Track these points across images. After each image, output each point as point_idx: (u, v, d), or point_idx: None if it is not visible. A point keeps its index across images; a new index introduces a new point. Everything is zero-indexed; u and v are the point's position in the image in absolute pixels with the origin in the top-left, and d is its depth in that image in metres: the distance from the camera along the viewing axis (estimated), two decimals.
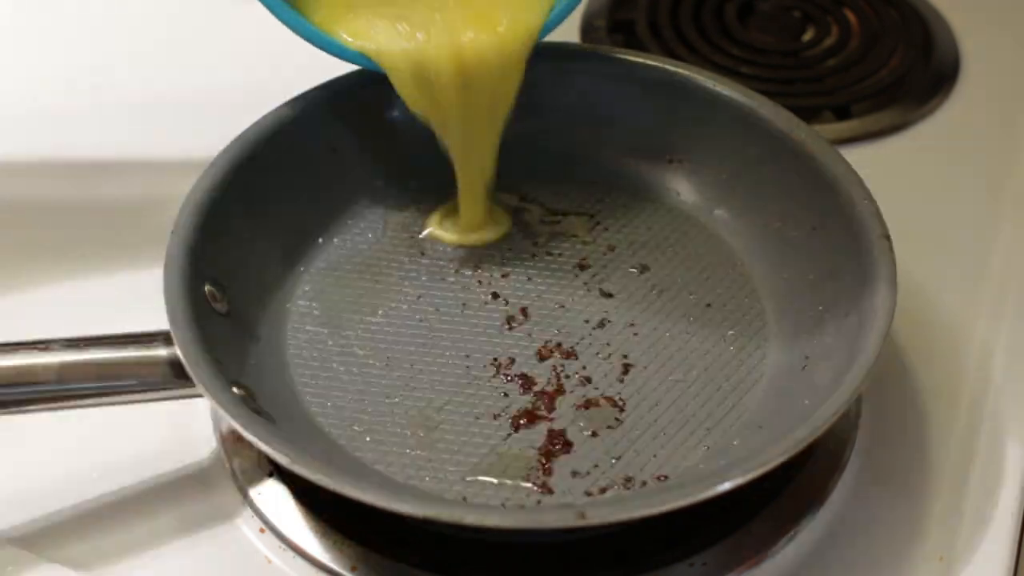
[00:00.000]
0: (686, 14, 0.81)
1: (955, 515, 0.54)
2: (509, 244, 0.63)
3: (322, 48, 0.57)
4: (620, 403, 0.56)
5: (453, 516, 0.45)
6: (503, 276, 0.62)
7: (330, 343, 0.58)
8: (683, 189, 0.65)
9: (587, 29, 0.80)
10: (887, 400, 0.58)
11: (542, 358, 0.58)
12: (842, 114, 0.74)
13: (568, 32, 0.80)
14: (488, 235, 0.64)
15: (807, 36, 0.81)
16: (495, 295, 0.61)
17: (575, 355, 0.58)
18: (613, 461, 0.53)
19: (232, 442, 0.55)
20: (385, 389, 0.56)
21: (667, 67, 0.64)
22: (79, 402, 0.52)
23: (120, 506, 0.54)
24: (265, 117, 0.60)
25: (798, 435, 0.47)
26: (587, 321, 0.59)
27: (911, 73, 0.77)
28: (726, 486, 0.46)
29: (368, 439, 0.54)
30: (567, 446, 0.54)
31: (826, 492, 0.54)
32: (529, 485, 0.52)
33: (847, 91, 0.76)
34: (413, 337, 0.58)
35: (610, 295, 0.61)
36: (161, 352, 0.51)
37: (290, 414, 0.54)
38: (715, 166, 0.63)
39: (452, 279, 0.62)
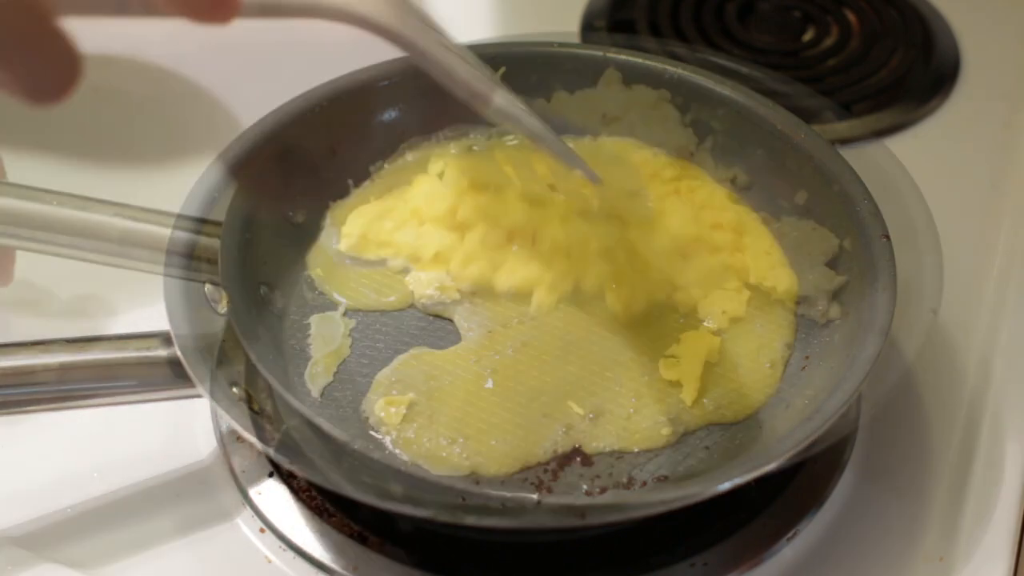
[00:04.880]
0: (686, 14, 0.81)
1: (955, 515, 0.54)
2: None
3: None
4: None
5: (453, 516, 0.45)
6: None
7: None
8: None
9: (587, 29, 0.80)
10: (887, 400, 0.58)
11: None
12: (842, 114, 0.74)
13: (568, 32, 0.80)
14: None
15: (807, 36, 0.81)
16: None
17: None
18: (613, 461, 0.53)
19: (232, 442, 0.55)
20: None
21: (667, 67, 0.64)
22: (79, 402, 0.52)
23: (120, 506, 0.54)
24: (265, 117, 0.60)
25: (798, 435, 0.47)
26: None
27: (911, 73, 0.77)
28: (726, 486, 0.46)
29: None
30: None
31: (826, 492, 0.54)
32: (529, 485, 0.52)
33: (847, 91, 0.76)
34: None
35: None
36: (161, 352, 0.51)
37: (290, 414, 0.54)
38: (715, 166, 0.63)
39: None
